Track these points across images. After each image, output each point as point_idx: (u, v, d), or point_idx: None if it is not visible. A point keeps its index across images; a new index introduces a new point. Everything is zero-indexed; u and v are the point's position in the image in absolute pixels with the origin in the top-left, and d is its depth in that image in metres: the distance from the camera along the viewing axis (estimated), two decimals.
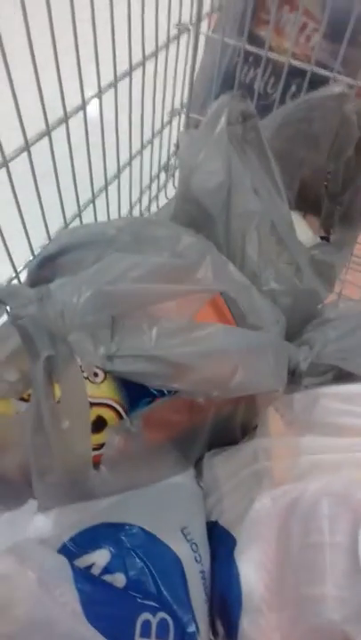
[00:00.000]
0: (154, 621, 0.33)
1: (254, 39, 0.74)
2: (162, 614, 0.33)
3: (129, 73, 0.60)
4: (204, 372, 0.38)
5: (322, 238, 0.65)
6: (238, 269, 0.50)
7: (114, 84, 0.58)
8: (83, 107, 0.54)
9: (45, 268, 0.50)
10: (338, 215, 0.66)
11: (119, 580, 0.34)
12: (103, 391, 0.43)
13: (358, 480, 0.37)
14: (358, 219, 0.66)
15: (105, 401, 0.42)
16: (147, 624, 0.32)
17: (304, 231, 0.64)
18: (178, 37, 0.69)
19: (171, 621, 0.33)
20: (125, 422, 0.40)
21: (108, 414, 0.42)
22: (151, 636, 0.32)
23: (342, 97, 0.66)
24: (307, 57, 0.74)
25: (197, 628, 0.34)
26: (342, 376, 0.44)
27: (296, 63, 0.68)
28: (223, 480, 0.41)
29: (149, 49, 0.62)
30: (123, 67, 0.58)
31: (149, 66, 0.64)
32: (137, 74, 0.61)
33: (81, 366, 0.39)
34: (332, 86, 0.66)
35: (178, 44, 0.70)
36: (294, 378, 0.44)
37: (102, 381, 0.43)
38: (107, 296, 0.39)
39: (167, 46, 0.67)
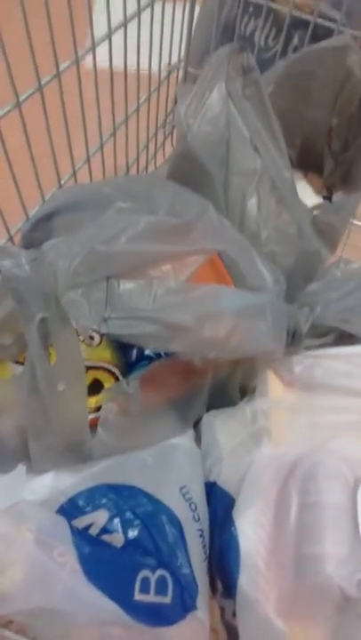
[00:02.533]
0: (153, 578, 0.33)
1: None
2: (160, 571, 0.33)
3: (124, 24, 0.57)
4: (201, 334, 0.37)
5: (324, 198, 0.63)
6: (237, 229, 0.49)
7: (108, 37, 0.55)
8: (76, 61, 0.52)
9: (39, 230, 0.49)
10: (340, 174, 0.64)
11: (118, 539, 0.34)
12: (99, 354, 0.42)
13: (357, 441, 0.37)
14: None
15: (101, 364, 0.42)
16: (146, 581, 0.33)
17: (306, 191, 0.63)
18: None
19: (169, 578, 0.33)
20: (122, 384, 0.40)
21: (104, 377, 0.42)
22: (150, 592, 0.33)
23: (346, 49, 0.63)
24: (309, 7, 0.70)
25: (196, 584, 0.34)
26: (343, 338, 0.44)
27: (298, 14, 0.65)
28: (222, 441, 0.40)
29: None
30: (117, 18, 0.56)
31: (145, 17, 0.61)
32: (132, 26, 0.58)
33: (77, 329, 0.38)
34: (336, 38, 0.63)
35: None
36: (294, 339, 0.43)
37: (98, 344, 0.43)
38: (101, 256, 0.38)
39: None
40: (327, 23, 0.64)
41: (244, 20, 0.72)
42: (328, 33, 0.64)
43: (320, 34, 0.65)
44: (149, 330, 0.37)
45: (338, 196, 0.63)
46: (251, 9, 0.71)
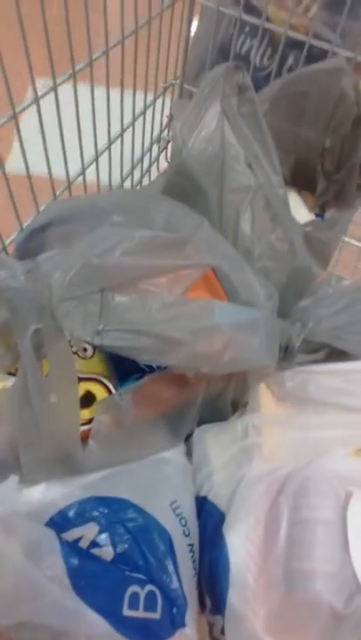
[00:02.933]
0: (142, 594, 0.33)
1: (251, 8, 0.72)
2: (150, 587, 0.33)
3: (121, 41, 0.58)
4: (194, 348, 0.38)
5: (316, 215, 0.64)
6: (231, 245, 0.49)
7: (106, 52, 0.56)
8: (73, 75, 0.52)
9: (33, 241, 0.49)
10: (333, 193, 0.65)
11: (107, 553, 0.34)
12: (92, 366, 0.42)
13: (348, 458, 0.37)
14: (353, 197, 0.65)
15: (94, 376, 0.42)
16: (135, 596, 0.33)
17: (298, 208, 0.63)
18: (172, 5, 0.67)
19: (159, 594, 0.33)
20: (115, 397, 0.40)
21: (97, 389, 0.42)
22: (139, 608, 0.32)
23: (340, 72, 0.64)
24: (305, 28, 0.71)
25: (185, 600, 0.34)
26: (334, 354, 0.44)
27: (293, 34, 0.66)
28: (213, 455, 0.40)
29: (143, 17, 0.61)
30: (115, 35, 0.56)
31: (142, 34, 0.62)
32: (130, 43, 0.59)
33: (70, 341, 0.38)
34: (331, 60, 0.65)
35: (172, 12, 0.68)
36: (286, 355, 0.43)
37: (91, 356, 0.43)
38: (96, 269, 0.38)
39: (161, 15, 0.65)
40: (322, 44, 0.66)
41: (240, 39, 0.73)
42: (323, 53, 0.65)
43: (315, 54, 0.67)
44: (143, 343, 0.38)
45: (330, 214, 0.64)
46: (247, 28, 0.72)
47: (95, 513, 0.35)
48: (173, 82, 0.75)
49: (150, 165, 0.78)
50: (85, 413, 0.40)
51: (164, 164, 0.80)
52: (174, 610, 0.33)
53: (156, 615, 0.33)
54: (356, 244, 0.72)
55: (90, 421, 0.40)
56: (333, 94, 0.65)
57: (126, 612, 0.32)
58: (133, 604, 0.32)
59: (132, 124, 0.68)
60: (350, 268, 0.71)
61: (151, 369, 0.42)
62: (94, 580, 0.33)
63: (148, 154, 0.76)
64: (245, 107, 0.56)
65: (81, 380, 0.41)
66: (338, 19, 0.63)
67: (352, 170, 0.65)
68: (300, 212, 0.63)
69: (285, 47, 0.67)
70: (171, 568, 0.34)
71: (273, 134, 0.55)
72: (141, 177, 0.76)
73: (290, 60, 0.73)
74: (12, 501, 0.34)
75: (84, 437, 0.38)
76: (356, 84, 0.64)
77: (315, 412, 0.40)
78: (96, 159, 0.61)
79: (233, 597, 0.33)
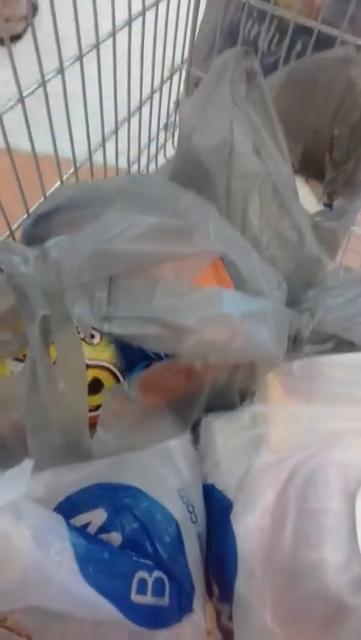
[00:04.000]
0: (150, 580, 0.33)
1: None
2: (158, 573, 0.33)
3: (128, 23, 0.57)
4: (202, 336, 0.37)
5: (325, 205, 0.64)
6: (239, 233, 0.49)
7: (112, 35, 0.55)
8: (80, 58, 0.51)
9: (40, 227, 0.49)
10: (341, 182, 0.65)
11: (115, 538, 0.34)
12: (100, 353, 0.42)
13: (356, 448, 0.37)
14: None
15: (102, 363, 0.42)
16: (143, 582, 0.33)
17: (307, 196, 0.63)
18: None
19: (167, 580, 0.33)
20: (122, 385, 0.39)
21: (104, 376, 0.41)
22: (147, 593, 0.32)
23: (349, 61, 0.63)
24: (313, 14, 0.70)
25: (193, 587, 0.34)
26: (342, 345, 0.44)
27: (302, 20, 0.65)
28: (220, 444, 0.40)
29: (149, 0, 0.60)
30: (122, 16, 0.55)
31: (150, 17, 0.61)
32: (137, 25, 0.58)
33: (77, 327, 0.38)
34: (339, 49, 0.64)
35: None
36: (295, 345, 0.43)
37: (99, 343, 0.42)
38: (104, 255, 0.38)
39: None
40: (330, 30, 0.65)
41: (248, 25, 0.72)
42: (331, 39, 0.65)
43: (323, 40, 0.66)
44: (151, 331, 0.37)
45: (338, 203, 0.63)
46: (255, 14, 0.71)
47: (103, 499, 0.36)
48: (181, 66, 0.74)
49: (157, 151, 0.77)
50: (93, 400, 0.40)
51: (170, 151, 0.79)
52: (182, 596, 0.33)
53: (164, 601, 0.33)
54: None
55: (97, 408, 0.40)
56: (342, 83, 0.64)
57: (134, 597, 0.32)
58: (141, 590, 0.33)
59: (140, 108, 0.67)
60: (359, 258, 0.71)
61: (159, 357, 0.42)
62: (102, 566, 0.33)
63: (155, 140, 0.75)
64: (254, 93, 0.55)
65: (88, 366, 0.41)
66: (347, 5, 0.62)
67: (360, 160, 0.64)
68: (309, 200, 0.62)
69: (294, 33, 0.66)
70: (178, 555, 0.34)
71: (281, 121, 0.55)
72: (148, 163, 0.75)
73: (298, 46, 0.72)
74: (20, 488, 0.34)
75: (92, 424, 0.38)
76: None
77: (323, 403, 0.39)
78: (103, 144, 0.61)
79: (241, 586, 0.33)
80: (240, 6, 0.73)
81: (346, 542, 0.31)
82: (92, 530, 0.34)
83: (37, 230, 0.49)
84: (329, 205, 0.64)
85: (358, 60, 0.62)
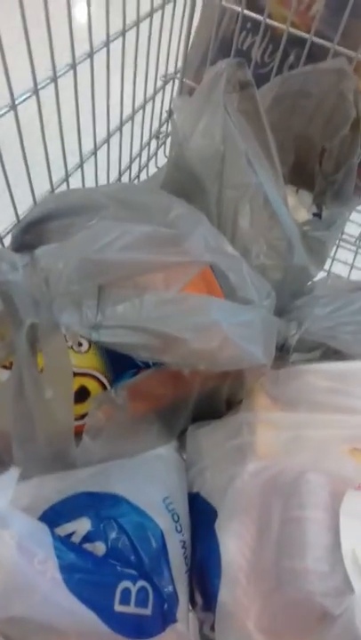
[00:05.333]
0: (133, 590, 0.33)
1: (253, 5, 0.71)
2: (142, 583, 0.33)
3: (122, 33, 0.58)
4: (191, 345, 0.37)
5: (314, 214, 0.64)
6: (229, 242, 0.49)
7: (106, 44, 0.55)
8: (73, 66, 0.52)
9: (30, 233, 0.49)
10: (331, 193, 0.65)
11: (99, 548, 0.34)
12: (87, 361, 0.42)
13: (340, 457, 0.37)
14: (350, 197, 0.65)
15: (89, 371, 0.42)
16: (126, 592, 0.33)
17: (296, 207, 0.63)
18: None
19: (150, 590, 0.33)
20: (109, 393, 0.39)
21: (91, 384, 0.41)
22: (131, 603, 0.32)
23: (341, 73, 0.64)
24: (307, 26, 0.71)
25: (177, 597, 0.34)
26: (329, 353, 0.44)
27: (295, 32, 0.66)
28: (206, 452, 0.40)
29: (144, 9, 0.60)
30: (116, 26, 0.56)
31: (143, 28, 0.61)
32: (130, 35, 0.59)
33: (65, 335, 0.38)
34: (332, 61, 0.65)
35: (174, 5, 0.67)
36: (282, 353, 0.43)
37: (87, 351, 0.42)
38: (93, 264, 0.38)
39: (163, 7, 0.65)
40: (324, 42, 0.65)
41: (241, 35, 0.73)
42: (324, 51, 0.65)
43: (316, 52, 0.66)
44: (140, 339, 0.37)
45: (327, 213, 0.64)
46: (249, 25, 0.72)
47: (88, 508, 0.35)
48: (174, 76, 0.74)
49: (148, 160, 0.77)
50: (79, 409, 0.40)
51: (162, 159, 0.80)
52: (165, 606, 0.33)
53: (148, 611, 0.33)
54: (352, 244, 0.72)
55: (83, 417, 0.40)
56: (333, 95, 0.65)
57: (118, 607, 0.32)
58: (125, 600, 0.32)
59: (132, 117, 0.67)
60: (346, 268, 0.71)
61: (147, 365, 0.42)
62: (86, 575, 0.33)
63: (147, 148, 0.75)
64: (247, 103, 0.55)
65: (76, 374, 0.41)
66: (340, 18, 0.63)
67: (350, 171, 0.65)
68: (298, 210, 0.63)
69: (287, 44, 0.66)
70: (163, 564, 0.34)
71: (273, 132, 0.55)
72: (139, 171, 0.75)
73: (291, 58, 0.72)
74: (4, 496, 0.34)
75: (78, 433, 0.38)
76: (356, 87, 0.64)
77: (309, 411, 0.40)
78: (94, 152, 0.61)
79: (224, 595, 0.33)
80: (234, 17, 0.73)
81: (329, 551, 0.31)
82: (76, 539, 0.34)
83: (27, 237, 0.49)
84: (318, 215, 0.64)
85: (350, 72, 0.63)
